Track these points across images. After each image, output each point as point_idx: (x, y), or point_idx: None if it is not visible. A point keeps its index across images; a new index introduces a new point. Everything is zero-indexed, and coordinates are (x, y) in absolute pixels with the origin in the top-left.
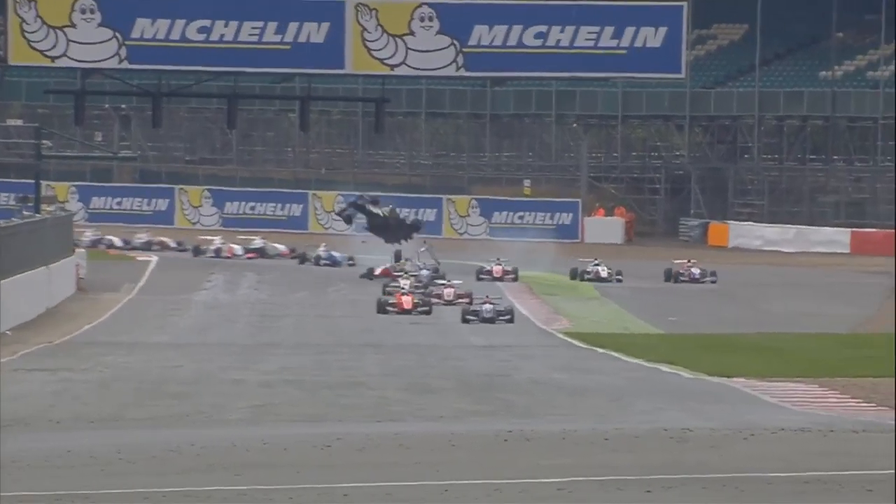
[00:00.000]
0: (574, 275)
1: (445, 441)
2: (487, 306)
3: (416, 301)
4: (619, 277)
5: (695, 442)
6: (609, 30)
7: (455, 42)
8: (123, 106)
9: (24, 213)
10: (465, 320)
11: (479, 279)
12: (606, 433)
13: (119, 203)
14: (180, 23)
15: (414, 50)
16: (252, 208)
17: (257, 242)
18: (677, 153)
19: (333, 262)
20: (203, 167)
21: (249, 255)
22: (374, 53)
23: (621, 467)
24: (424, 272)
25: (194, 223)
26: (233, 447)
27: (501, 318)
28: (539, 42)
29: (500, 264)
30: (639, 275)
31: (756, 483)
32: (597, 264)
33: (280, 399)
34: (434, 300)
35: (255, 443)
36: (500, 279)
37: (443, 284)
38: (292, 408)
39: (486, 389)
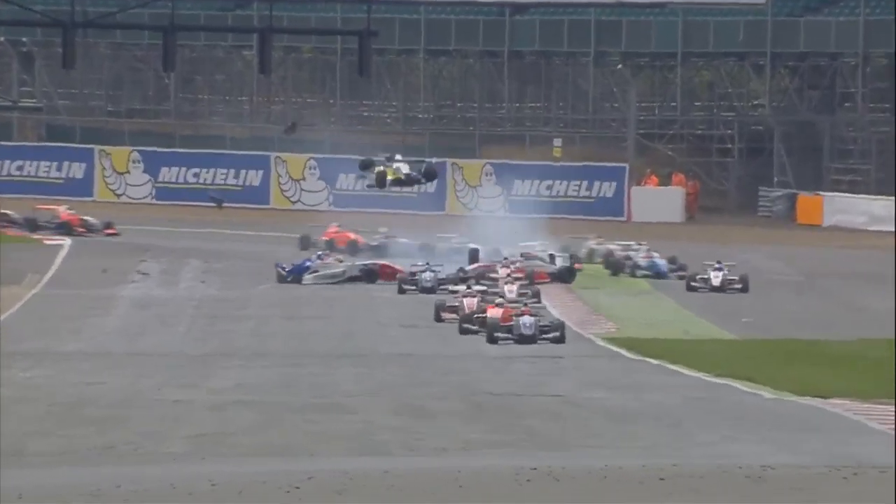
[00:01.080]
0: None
1: (450, 480)
2: (526, 319)
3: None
4: (740, 286)
5: (777, 483)
6: None
7: None
8: (25, 40)
9: None
10: (492, 339)
11: (479, 283)
12: (661, 471)
13: (20, 168)
14: None
15: None
16: (195, 176)
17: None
18: (755, 103)
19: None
20: (131, 122)
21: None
22: None
23: None
24: (428, 274)
25: (119, 195)
26: (171, 489)
27: (546, 335)
28: None
29: (511, 263)
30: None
31: None
32: (719, 267)
33: (234, 426)
34: (447, 315)
35: (202, 483)
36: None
37: (457, 293)
38: (249, 437)
39: (502, 413)
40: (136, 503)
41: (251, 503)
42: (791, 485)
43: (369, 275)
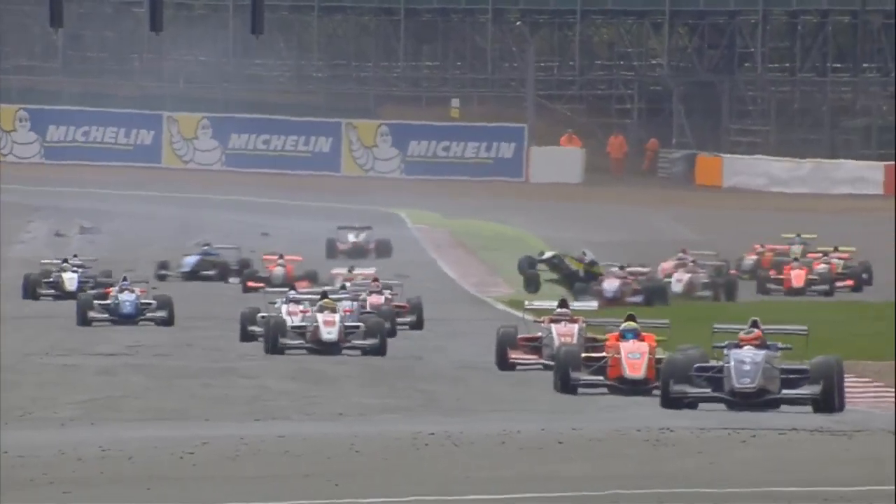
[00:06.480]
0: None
1: (346, 446)
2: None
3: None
4: None
5: (676, 446)
6: None
7: None
8: None
9: None
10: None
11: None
12: (560, 435)
13: None
14: None
15: None
16: (85, 134)
17: None
18: (654, 62)
19: None
20: (17, 79)
21: None
22: None
23: (577, 480)
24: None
25: (6, 154)
26: (61, 455)
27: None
28: None
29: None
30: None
31: (756, 500)
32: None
33: (124, 390)
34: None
35: (91, 449)
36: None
37: None
38: (141, 402)
39: (400, 377)
40: (22, 471)
41: (142, 469)
42: (691, 449)
43: None
